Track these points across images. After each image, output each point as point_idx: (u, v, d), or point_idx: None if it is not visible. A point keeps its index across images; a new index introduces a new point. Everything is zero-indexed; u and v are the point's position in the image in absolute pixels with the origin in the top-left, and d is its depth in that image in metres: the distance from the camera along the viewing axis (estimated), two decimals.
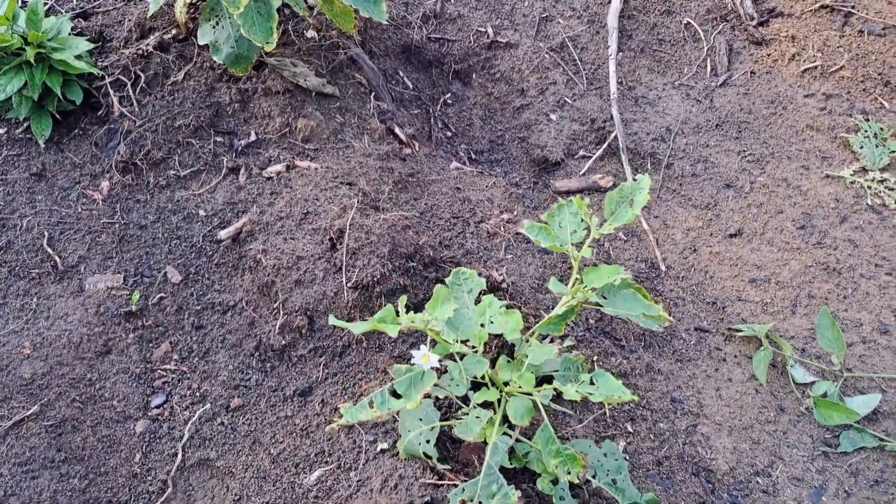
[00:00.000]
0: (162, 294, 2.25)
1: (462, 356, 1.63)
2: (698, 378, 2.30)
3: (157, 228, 2.38)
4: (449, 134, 3.06)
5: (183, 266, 2.30)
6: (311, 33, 2.89)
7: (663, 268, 2.61)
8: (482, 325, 1.68)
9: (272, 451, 1.94)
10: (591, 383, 1.66)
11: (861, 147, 2.75)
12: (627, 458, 2.08)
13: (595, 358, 2.26)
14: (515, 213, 2.69)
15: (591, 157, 2.97)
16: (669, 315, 2.47)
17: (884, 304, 2.41)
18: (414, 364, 1.47)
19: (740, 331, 2.36)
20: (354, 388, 2.01)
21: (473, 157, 3.01)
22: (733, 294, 2.50)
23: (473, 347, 1.68)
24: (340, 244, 2.15)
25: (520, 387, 1.71)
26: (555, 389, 1.68)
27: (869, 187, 2.68)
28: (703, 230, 2.69)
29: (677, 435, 2.15)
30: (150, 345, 2.16)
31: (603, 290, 1.94)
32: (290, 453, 1.93)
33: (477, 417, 1.76)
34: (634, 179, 2.04)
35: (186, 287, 2.26)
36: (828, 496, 2.08)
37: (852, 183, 2.70)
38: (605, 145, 2.97)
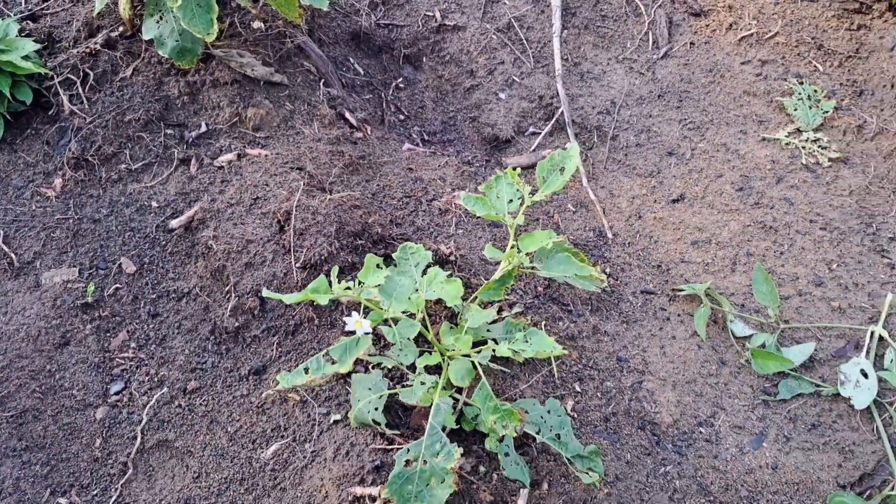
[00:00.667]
0: (117, 285, 2.29)
1: (396, 322, 1.70)
2: (643, 337, 2.39)
3: (110, 222, 2.42)
4: (402, 117, 3.12)
5: (137, 257, 2.35)
6: (257, 24, 2.94)
7: (610, 235, 2.69)
8: (417, 292, 1.75)
9: (229, 430, 2.00)
10: (525, 341, 1.74)
11: (795, 109, 2.85)
12: (576, 415, 2.17)
13: (543, 323, 2.33)
14: (467, 190, 2.76)
15: (540, 134, 3.04)
16: (615, 279, 2.56)
17: (818, 257, 2.51)
18: (347, 330, 1.54)
19: (682, 290, 2.45)
20: None
21: (426, 138, 3.07)
22: (676, 256, 2.59)
23: (412, 315, 1.75)
24: (288, 226, 2.21)
25: (459, 349, 1.78)
26: (493, 350, 1.76)
27: (803, 147, 2.77)
28: (647, 197, 2.77)
29: (623, 392, 2.24)
30: (108, 334, 2.21)
31: (540, 255, 2.02)
32: (246, 430, 2.00)
33: (422, 383, 1.84)
34: (568, 147, 2.12)
35: (141, 277, 2.31)
36: (768, 442, 2.18)
37: (787, 144, 2.80)
38: (553, 121, 3.04)
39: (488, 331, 2.06)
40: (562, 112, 3.02)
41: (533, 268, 2.02)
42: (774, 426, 2.20)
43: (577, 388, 2.23)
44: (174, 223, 2.38)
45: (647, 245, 2.66)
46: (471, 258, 2.40)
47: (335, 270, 1.62)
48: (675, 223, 2.68)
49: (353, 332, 1.60)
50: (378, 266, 1.67)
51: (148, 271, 2.33)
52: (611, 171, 2.90)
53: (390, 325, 1.68)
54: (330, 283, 1.59)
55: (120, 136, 2.61)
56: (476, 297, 1.97)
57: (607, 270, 2.60)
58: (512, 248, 1.98)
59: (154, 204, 2.47)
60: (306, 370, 1.57)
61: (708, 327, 2.39)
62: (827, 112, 2.84)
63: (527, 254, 1.99)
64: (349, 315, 1.54)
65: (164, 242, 2.38)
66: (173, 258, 2.34)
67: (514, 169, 2.05)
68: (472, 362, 1.78)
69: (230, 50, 2.79)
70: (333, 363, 1.57)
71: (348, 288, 1.58)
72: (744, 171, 2.76)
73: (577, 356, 2.30)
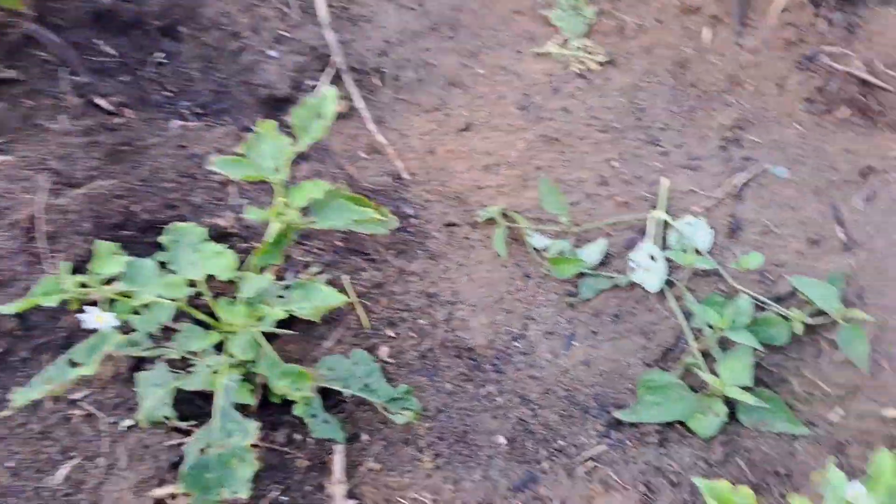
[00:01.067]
0: None
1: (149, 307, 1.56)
2: (451, 269, 2.39)
3: None
4: (168, 94, 2.88)
5: None
6: None
7: (407, 176, 2.66)
8: (174, 273, 1.62)
9: (11, 464, 1.79)
10: (304, 298, 1.67)
11: (561, 21, 2.92)
12: (393, 360, 2.14)
13: (349, 277, 2.27)
14: None
15: (319, 86, 2.93)
16: (418, 218, 2.53)
17: (600, 159, 2.61)
18: (86, 328, 1.39)
19: (480, 216, 2.47)
20: None
21: (198, 111, 2.86)
22: (472, 184, 2.60)
23: (174, 299, 1.62)
24: (36, 232, 1.98)
25: (238, 323, 1.68)
26: (272, 315, 1.67)
27: (573, 56, 2.85)
28: (437, 131, 2.76)
29: (437, 326, 2.23)
30: None
31: (315, 208, 1.94)
32: (30, 460, 1.79)
33: (207, 366, 1.72)
34: (322, 92, 2.04)
35: None
36: (578, 340, 2.26)
37: (560, 56, 2.87)
38: (330, 71, 2.93)
39: (281, 297, 1.96)
40: (336, 60, 2.92)
41: (311, 221, 1.94)
42: (582, 325, 2.29)
43: (391, 333, 2.20)
44: None
45: (444, 179, 2.64)
46: (257, 227, 2.27)
47: (66, 266, 1.45)
48: (466, 152, 2.68)
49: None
50: (114, 253, 1.51)
51: None
52: (398, 111, 2.85)
53: (140, 314, 1.55)
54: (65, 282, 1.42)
55: None
56: (250, 265, 1.86)
57: (410, 211, 2.57)
58: (284, 205, 1.89)
59: None
60: (48, 380, 1.41)
61: (510, 246, 2.43)
62: (590, 18, 2.93)
63: (301, 209, 1.91)
64: (83, 312, 1.39)
65: None
66: None
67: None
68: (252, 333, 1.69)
69: None
70: (78, 366, 1.42)
71: (84, 284, 1.42)
72: (523, 90, 2.81)
73: (385, 302, 2.26)
